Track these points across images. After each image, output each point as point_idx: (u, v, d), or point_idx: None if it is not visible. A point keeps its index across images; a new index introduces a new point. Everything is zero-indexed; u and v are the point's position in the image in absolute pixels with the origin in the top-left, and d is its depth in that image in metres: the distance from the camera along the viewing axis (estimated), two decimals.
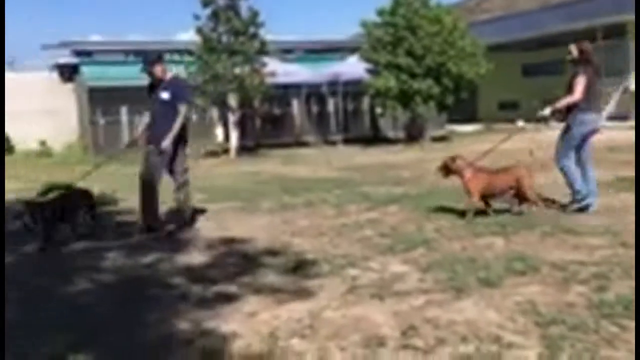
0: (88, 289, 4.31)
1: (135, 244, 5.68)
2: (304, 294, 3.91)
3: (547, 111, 6.19)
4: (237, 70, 15.71)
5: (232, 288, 4.13)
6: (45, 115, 20.46)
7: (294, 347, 3.05)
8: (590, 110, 6.01)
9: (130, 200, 8.57)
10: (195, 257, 5.09)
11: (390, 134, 20.98)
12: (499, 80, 19.38)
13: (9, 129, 20.61)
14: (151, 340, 3.25)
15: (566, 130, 6.07)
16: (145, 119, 6.32)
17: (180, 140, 6.11)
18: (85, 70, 19.74)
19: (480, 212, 5.90)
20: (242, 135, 17.77)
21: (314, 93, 21.37)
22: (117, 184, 10.45)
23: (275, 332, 3.25)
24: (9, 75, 23.78)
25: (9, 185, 11.92)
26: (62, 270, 4.84)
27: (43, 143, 20.51)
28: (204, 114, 19.73)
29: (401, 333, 3.16)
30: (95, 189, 9.69)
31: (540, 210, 5.93)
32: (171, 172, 6.19)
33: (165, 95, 5.97)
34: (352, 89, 20.45)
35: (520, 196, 5.89)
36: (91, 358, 2.97)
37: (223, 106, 17.36)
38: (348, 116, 21.97)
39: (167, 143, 5.84)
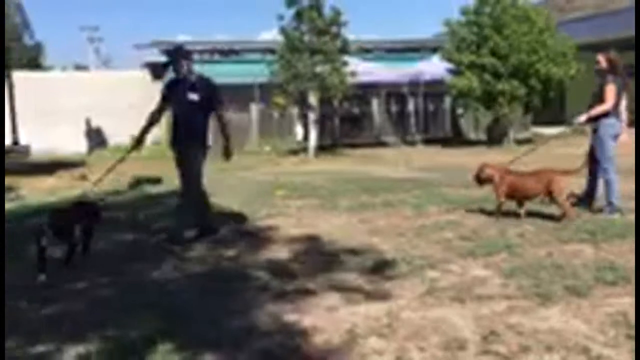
0: (175, 277, 4.51)
1: (218, 237, 5.87)
2: (382, 293, 3.91)
3: (582, 118, 6.33)
4: (318, 69, 15.86)
5: (311, 284, 4.19)
6: (136, 111, 21.48)
7: (372, 345, 3.06)
8: (613, 116, 6.19)
9: (216, 195, 8.89)
10: (276, 252, 5.20)
11: (472, 135, 20.52)
12: (589, 81, 18.43)
13: (104, 123, 21.87)
14: (234, 329, 3.36)
15: (594, 139, 6.31)
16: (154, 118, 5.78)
17: (203, 145, 5.65)
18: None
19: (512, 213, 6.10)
20: (322, 134, 17.94)
21: (394, 92, 21.23)
22: (205, 178, 10.79)
23: (354, 329, 3.27)
24: (104, 73, 25.27)
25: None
26: (152, 258, 5.09)
27: (133, 138, 21.57)
28: (285, 112, 20.08)
29: (482, 338, 3.09)
30: (279, 193, 10.01)
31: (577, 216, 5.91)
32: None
33: (193, 96, 5.48)
34: (433, 89, 20.17)
35: (552, 200, 5.96)
36: (179, 343, 3.11)
37: (303, 105, 17.60)
38: (428, 116, 21.68)
39: (200, 153, 5.54)
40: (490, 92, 16.16)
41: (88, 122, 21.84)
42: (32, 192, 10.54)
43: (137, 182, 10.91)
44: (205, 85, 5.61)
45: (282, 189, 9.07)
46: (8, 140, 16.65)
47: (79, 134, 21.63)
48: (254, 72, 18.65)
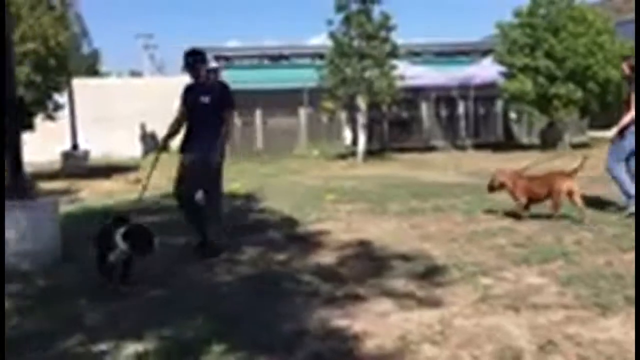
0: (227, 281, 4.58)
1: (268, 241, 5.94)
2: (434, 299, 3.87)
3: (614, 131, 6.43)
4: (367, 74, 15.86)
5: (361, 289, 4.18)
6: None
7: (425, 352, 3.03)
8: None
9: (267, 199, 9.01)
10: (326, 257, 5.21)
11: (524, 139, 20.05)
12: None
13: (158, 128, 22.45)
14: (286, 333, 3.39)
15: (614, 141, 6.40)
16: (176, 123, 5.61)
17: (217, 150, 5.36)
18: (224, 74, 20.93)
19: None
20: (370, 138, 17.90)
21: (443, 96, 20.99)
22: (256, 182, 11.01)
23: (406, 335, 3.25)
24: (158, 80, 25.97)
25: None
26: (204, 261, 5.19)
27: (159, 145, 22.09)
28: (333, 116, 20.15)
29: (539, 348, 3.02)
30: (234, 186, 10.30)
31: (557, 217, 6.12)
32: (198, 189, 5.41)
33: (205, 99, 5.31)
34: (484, 93, 19.83)
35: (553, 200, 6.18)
36: (232, 345, 3.16)
37: (352, 109, 17.61)
38: (479, 120, 21.33)
39: (217, 158, 5.30)
40: (544, 95, 15.77)
41: (143, 127, 22.50)
42: (90, 195, 10.92)
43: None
44: (218, 88, 5.49)
45: (332, 194, 9.10)
46: (68, 145, 17.29)
47: (134, 139, 22.31)
48: (303, 77, 18.80)
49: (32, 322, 3.70)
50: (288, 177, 12.36)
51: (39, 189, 10.30)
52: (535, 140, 18.71)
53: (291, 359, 3.03)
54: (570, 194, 6.03)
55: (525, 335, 3.19)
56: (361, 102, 16.41)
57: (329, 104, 17.25)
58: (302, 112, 21.22)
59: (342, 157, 17.35)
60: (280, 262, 5.11)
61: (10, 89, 5.42)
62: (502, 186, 6.51)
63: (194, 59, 5.37)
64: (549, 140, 17.10)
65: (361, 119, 16.73)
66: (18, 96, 6.04)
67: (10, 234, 5.06)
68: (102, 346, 3.23)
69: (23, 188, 5.43)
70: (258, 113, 21.17)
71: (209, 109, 5.31)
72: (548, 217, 6.21)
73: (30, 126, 11.83)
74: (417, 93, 20.27)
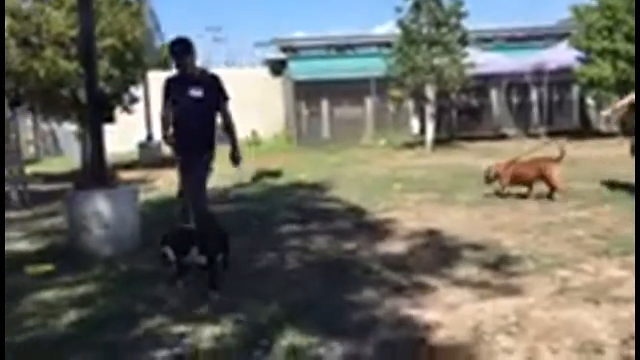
0: (298, 268, 4.66)
1: (337, 230, 5.98)
2: (508, 290, 3.79)
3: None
4: (436, 61, 15.55)
5: (431, 279, 4.15)
6: (256, 107, 22.41)
7: (500, 343, 2.98)
8: None
9: (334, 188, 9.07)
10: (394, 246, 5.21)
11: (603, 127, 19.13)
12: None
13: None
14: (356, 320, 3.41)
15: None
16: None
17: (210, 149, 4.92)
18: (291, 65, 21.15)
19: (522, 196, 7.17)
20: (438, 127, 17.59)
21: (515, 83, 20.33)
22: (323, 172, 11.08)
23: (480, 326, 3.20)
24: (227, 71, 26.46)
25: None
26: (276, 248, 5.30)
27: (254, 133, 22.49)
28: (400, 105, 19.94)
29: (621, 342, 2.91)
30: (302, 177, 10.43)
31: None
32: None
33: (197, 92, 4.77)
34: (559, 78, 19.03)
35: (547, 183, 7.03)
36: (305, 330, 3.22)
37: (420, 98, 17.35)
38: (553, 107, 20.52)
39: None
40: (625, 80, 14.95)
41: None
42: (164, 183, 11.32)
43: (260, 176, 11.38)
44: (209, 80, 4.91)
45: (400, 183, 9.04)
46: (143, 136, 18.01)
47: None
48: (370, 66, 18.70)
49: (115, 304, 3.90)
50: (355, 167, 12.36)
51: (119, 178, 10.81)
52: (614, 127, 17.80)
53: (363, 345, 3.05)
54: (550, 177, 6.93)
55: (607, 328, 3.08)
56: (430, 91, 16.14)
57: (396, 93, 17.07)
58: (369, 102, 21.13)
59: (410, 146, 17.16)
60: (349, 251, 5.14)
61: (93, 83, 5.71)
62: (497, 177, 7.39)
63: (180, 48, 4.79)
64: (629, 128, 16.21)
65: (429, 107, 16.46)
66: (100, 90, 6.33)
67: (93, 221, 5.35)
68: (182, 328, 3.37)
69: (105, 177, 5.71)
70: (324, 103, 21.26)
71: (203, 103, 4.79)
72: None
73: (111, 119, 12.40)
74: (487, 80, 19.71)
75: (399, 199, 7.73)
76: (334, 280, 4.26)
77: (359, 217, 6.64)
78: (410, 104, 20.10)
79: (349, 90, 20.39)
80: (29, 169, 12.08)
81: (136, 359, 3.00)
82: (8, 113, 9.56)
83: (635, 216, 5.16)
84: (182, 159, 4.85)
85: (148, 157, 16.79)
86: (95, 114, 5.67)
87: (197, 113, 4.79)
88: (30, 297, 4.14)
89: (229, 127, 5.02)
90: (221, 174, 6.60)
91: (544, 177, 7.02)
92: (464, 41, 15.79)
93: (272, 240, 5.69)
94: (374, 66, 18.00)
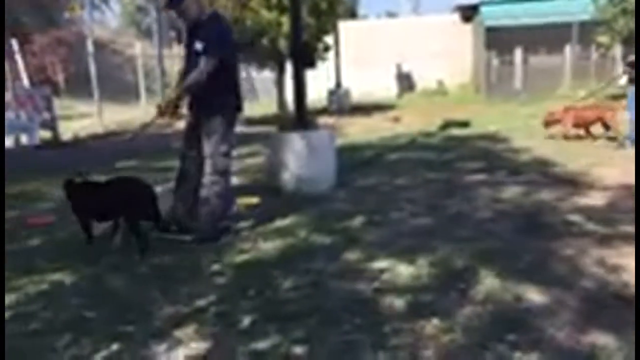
0: (492, 217, 4.59)
1: (532, 182, 5.76)
2: None
3: None
4: None
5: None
6: (443, 56, 21.87)
7: None
8: None
9: (529, 141, 8.68)
10: (595, 199, 4.91)
11: None
12: None
13: (413, 68, 22.80)
14: (559, 270, 3.30)
15: None
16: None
17: (222, 109, 4.22)
18: (484, 10, 20.11)
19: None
20: None
21: None
22: (516, 124, 10.65)
23: None
24: (415, 19, 26.10)
25: (416, 118, 13.33)
26: (468, 197, 5.29)
27: (440, 82, 22.07)
28: (606, 53, 18.02)
29: None
30: (492, 128, 10.11)
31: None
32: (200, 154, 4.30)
33: (198, 45, 4.08)
34: None
35: (604, 126, 8.15)
36: (500, 275, 3.22)
37: (631, 44, 15.47)
38: None
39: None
40: None
41: (399, 67, 23.05)
42: (354, 130, 11.75)
43: (446, 125, 11.24)
44: (209, 28, 4.12)
45: (603, 138, 8.34)
46: (332, 84, 18.66)
47: (390, 78, 23.03)
48: (572, 10, 17.11)
49: (316, 237, 4.22)
50: None
51: (316, 122, 11.43)
52: None
53: (566, 294, 2.96)
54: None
55: None
56: None
57: (604, 39, 15.43)
58: (568, 49, 19.42)
59: (614, 98, 15.52)
60: (545, 202, 4.94)
61: (298, 31, 6.06)
62: (556, 121, 8.56)
63: None
64: None
65: None
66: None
67: (292, 160, 5.78)
68: (380, 264, 3.56)
69: (306, 120, 6.09)
70: (518, 51, 20.00)
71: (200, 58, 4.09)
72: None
73: (312, 63, 13.00)
74: None
75: (602, 155, 7.15)
76: (530, 230, 4.15)
77: (555, 170, 6.30)
78: (617, 52, 18.04)
79: (546, 37, 18.91)
80: None
81: (340, 288, 3.25)
82: None
83: (635, 216, 4.30)
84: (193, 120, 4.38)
85: (337, 105, 17.44)
86: (299, 60, 6.02)
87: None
88: (240, 224, 4.66)
89: (187, 78, 4.15)
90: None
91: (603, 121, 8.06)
92: None
93: (462, 188, 5.67)
94: (576, 9, 16.41)
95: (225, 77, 4.18)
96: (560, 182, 5.66)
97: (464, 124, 11.26)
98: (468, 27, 22.50)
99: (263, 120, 14.53)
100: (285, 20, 13.32)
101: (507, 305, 2.89)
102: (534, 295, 2.97)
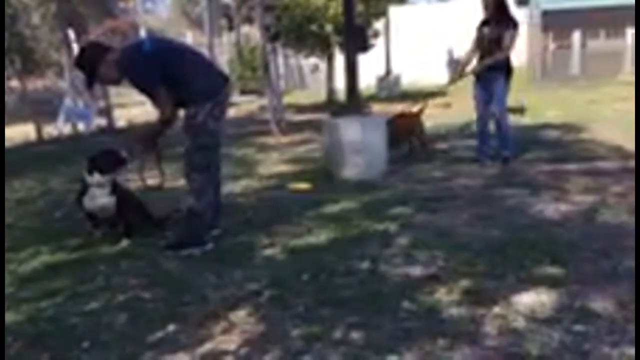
0: (557, 209, 4.41)
1: (598, 171, 5.50)
2: None
3: None
4: None
5: None
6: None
7: None
8: None
9: (591, 128, 8.33)
10: None
11: None
12: None
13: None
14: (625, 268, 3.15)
15: None
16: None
17: (202, 102, 3.69)
18: None
19: None
20: None
21: None
22: (576, 110, 10.31)
23: None
24: (465, 4, 25.47)
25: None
26: (527, 186, 5.11)
27: None
28: None
29: None
30: (550, 114, 9.74)
31: None
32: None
33: (141, 93, 3.80)
34: None
35: None
36: (566, 269, 3.09)
37: None
38: None
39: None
40: None
41: (450, 53, 22.55)
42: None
43: None
44: (127, 72, 3.70)
45: None
46: (382, 70, 18.42)
47: (441, 64, 22.57)
48: None
49: (372, 224, 4.13)
50: (614, 105, 11.09)
51: (369, 108, 11.29)
52: None
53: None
54: None
55: None
56: None
57: None
58: (630, 33, 18.53)
59: None
60: (615, 194, 4.65)
61: (351, 17, 5.96)
62: None
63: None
64: None
65: None
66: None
67: (345, 146, 5.70)
68: (435, 251, 3.46)
69: (358, 106, 6.01)
70: (576, 35, 19.23)
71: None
72: None
73: (365, 48, 12.85)
74: None
75: None
76: (600, 223, 3.91)
77: (625, 160, 5.95)
78: None
79: (606, 20, 18.11)
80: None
81: (395, 274, 3.18)
82: (268, 47, 10.48)
83: (636, 215, 3.89)
84: None
85: (386, 91, 17.22)
86: (351, 45, 5.94)
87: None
88: (293, 210, 4.64)
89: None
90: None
91: None
92: None
93: (519, 178, 5.46)
94: None
95: (182, 84, 3.63)
96: (632, 173, 5.24)
97: (520, 110, 10.89)
98: (522, 11, 21.77)
99: (312, 108, 14.49)
100: (334, 5, 13.19)
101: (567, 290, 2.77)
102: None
